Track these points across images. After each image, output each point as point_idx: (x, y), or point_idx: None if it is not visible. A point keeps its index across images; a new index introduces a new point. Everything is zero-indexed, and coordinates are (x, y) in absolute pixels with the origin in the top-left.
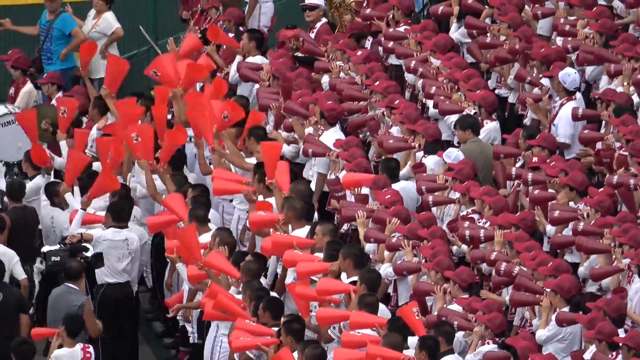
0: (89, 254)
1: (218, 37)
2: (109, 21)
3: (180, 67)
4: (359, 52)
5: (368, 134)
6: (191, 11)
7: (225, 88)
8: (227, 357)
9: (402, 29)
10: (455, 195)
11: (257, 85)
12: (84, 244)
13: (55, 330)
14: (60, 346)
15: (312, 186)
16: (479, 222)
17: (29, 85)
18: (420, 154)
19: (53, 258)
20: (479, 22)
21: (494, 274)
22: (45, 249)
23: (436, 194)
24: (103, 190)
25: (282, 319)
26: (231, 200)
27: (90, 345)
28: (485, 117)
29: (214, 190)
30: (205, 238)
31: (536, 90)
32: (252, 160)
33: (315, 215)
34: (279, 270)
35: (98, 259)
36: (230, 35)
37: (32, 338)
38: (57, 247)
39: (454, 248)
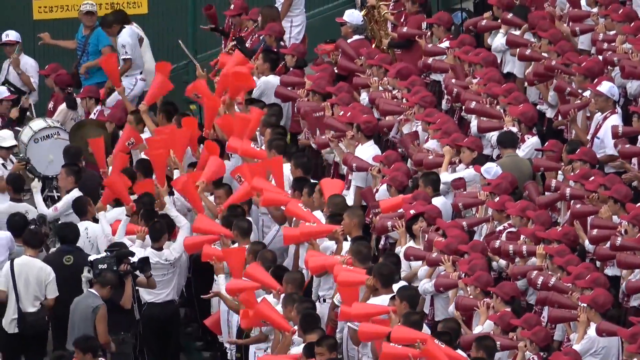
0: (135, 258)
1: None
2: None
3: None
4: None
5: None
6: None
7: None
8: None
9: (444, 44)
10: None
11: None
12: (129, 250)
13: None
14: None
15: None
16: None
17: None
18: (462, 166)
19: (100, 266)
20: (520, 38)
21: (534, 288)
22: (92, 257)
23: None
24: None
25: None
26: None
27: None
28: (526, 132)
29: (262, 200)
30: None
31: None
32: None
33: None
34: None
35: (145, 263)
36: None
37: None
38: (104, 254)
39: (494, 264)
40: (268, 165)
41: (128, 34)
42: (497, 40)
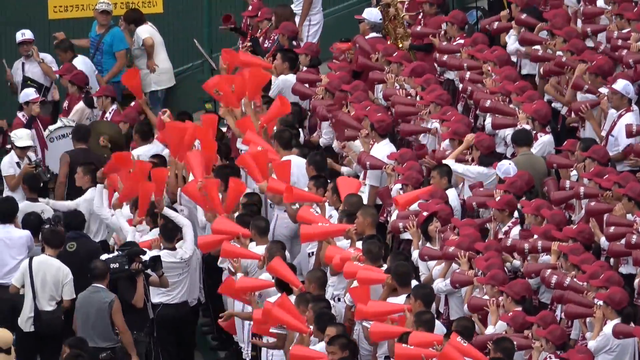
0: (146, 257)
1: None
2: (139, 35)
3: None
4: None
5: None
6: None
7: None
8: None
9: (457, 43)
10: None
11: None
12: (140, 248)
13: None
14: None
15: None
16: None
17: (82, 103)
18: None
19: (112, 265)
20: (534, 36)
21: (547, 287)
22: (104, 257)
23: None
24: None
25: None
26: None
27: None
28: (539, 130)
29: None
30: (262, 249)
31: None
32: None
33: None
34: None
35: (156, 262)
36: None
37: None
38: (116, 254)
39: (507, 264)
40: (269, 159)
41: (82, 64)
42: (510, 45)
